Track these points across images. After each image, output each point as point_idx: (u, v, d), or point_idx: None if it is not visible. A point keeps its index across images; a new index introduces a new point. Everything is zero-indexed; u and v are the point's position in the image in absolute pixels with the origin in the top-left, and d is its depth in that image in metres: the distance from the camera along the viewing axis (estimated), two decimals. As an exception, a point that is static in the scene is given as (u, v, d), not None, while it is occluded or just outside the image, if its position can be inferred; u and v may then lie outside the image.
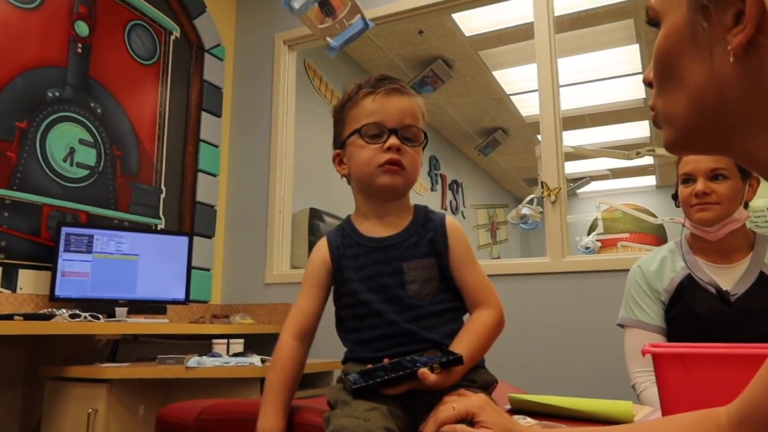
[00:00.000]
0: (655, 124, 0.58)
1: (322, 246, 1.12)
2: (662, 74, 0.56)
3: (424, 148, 1.10)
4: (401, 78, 1.16)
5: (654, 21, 0.57)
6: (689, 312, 1.48)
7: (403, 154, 1.04)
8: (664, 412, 0.95)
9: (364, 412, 0.87)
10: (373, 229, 1.08)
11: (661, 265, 1.56)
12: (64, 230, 2.36)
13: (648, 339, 1.47)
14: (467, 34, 4.21)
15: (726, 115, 0.51)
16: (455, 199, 6.32)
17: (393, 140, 1.03)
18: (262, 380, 2.12)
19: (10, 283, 2.26)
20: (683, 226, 1.55)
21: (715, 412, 0.68)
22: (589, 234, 4.36)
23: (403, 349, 1.00)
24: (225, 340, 2.40)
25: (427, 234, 1.06)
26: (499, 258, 7.10)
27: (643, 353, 0.98)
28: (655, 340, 1.47)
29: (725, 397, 0.68)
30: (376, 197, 1.09)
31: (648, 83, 0.59)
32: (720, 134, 0.53)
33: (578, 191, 7.71)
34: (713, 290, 1.46)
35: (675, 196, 1.56)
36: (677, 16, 0.53)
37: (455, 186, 6.38)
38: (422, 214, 1.10)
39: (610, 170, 6.88)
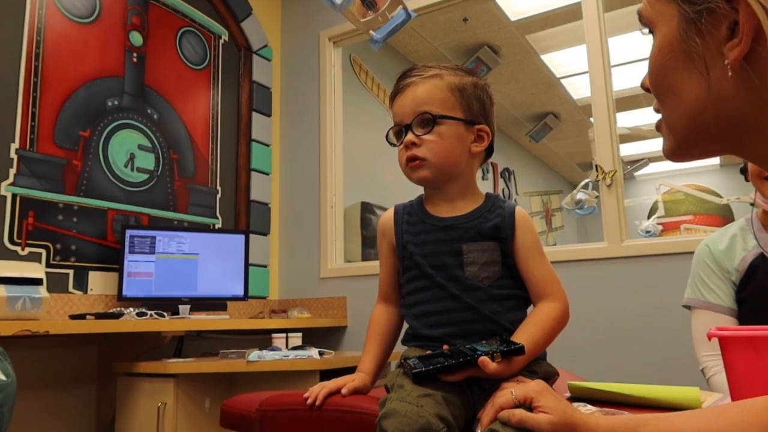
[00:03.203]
0: (657, 128, 0.56)
1: (386, 218, 1.15)
2: (659, 86, 0.54)
3: (465, 121, 1.06)
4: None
5: (647, 27, 0.54)
6: (763, 292, 1.38)
7: (421, 146, 1.04)
8: (734, 398, 0.92)
9: (417, 398, 0.88)
10: (440, 209, 1.09)
11: (731, 244, 1.46)
12: (129, 233, 2.46)
13: (717, 321, 1.40)
14: (513, 19, 4.13)
15: (728, 125, 0.49)
16: (507, 187, 6.23)
17: (407, 137, 1.05)
18: (320, 372, 2.16)
19: (82, 285, 2.38)
20: (753, 202, 1.44)
21: (787, 397, 0.65)
22: (649, 217, 4.23)
23: (465, 327, 1.00)
24: (284, 335, 2.45)
25: (493, 219, 1.05)
26: (555, 245, 6.97)
27: (709, 337, 0.94)
28: (725, 323, 1.39)
29: (799, 381, 0.65)
30: (427, 187, 1.12)
31: (645, 89, 0.56)
32: (724, 141, 0.51)
33: (636, 174, 7.47)
34: None
35: (743, 170, 1.47)
36: (669, 27, 0.51)
37: (507, 174, 6.29)
38: (492, 201, 1.10)
39: (669, 150, 6.61)
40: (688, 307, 1.53)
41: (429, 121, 1.04)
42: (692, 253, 2.23)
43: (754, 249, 1.42)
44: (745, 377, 0.89)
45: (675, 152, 0.55)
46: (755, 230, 1.44)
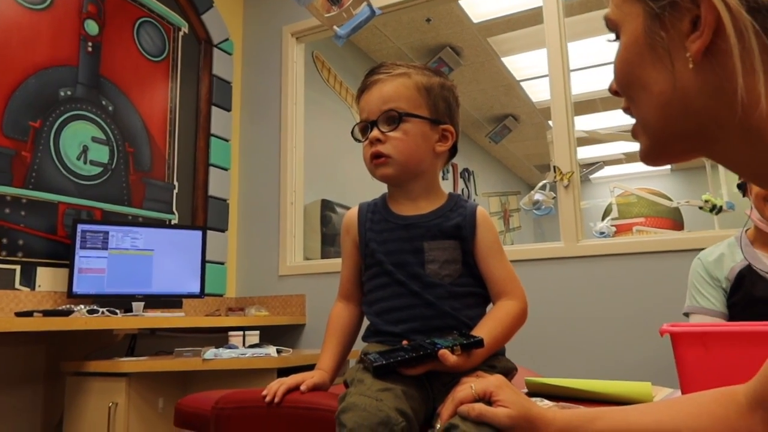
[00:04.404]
0: (633, 135, 0.57)
1: (350, 216, 1.16)
2: (627, 83, 0.55)
3: (431, 120, 1.06)
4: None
5: (614, 32, 0.56)
6: (749, 297, 1.53)
7: (386, 142, 1.05)
8: (684, 392, 0.95)
9: (377, 391, 0.88)
10: (402, 208, 1.10)
11: (721, 257, 1.63)
12: (80, 227, 2.38)
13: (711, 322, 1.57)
14: (475, 21, 4.17)
15: (695, 120, 0.50)
16: (467, 187, 6.29)
17: (372, 134, 1.06)
18: (278, 371, 2.13)
19: (29, 281, 2.29)
20: (748, 217, 1.58)
21: (734, 390, 0.68)
22: (603, 219, 4.33)
23: (425, 323, 1.01)
24: (241, 333, 2.42)
25: (455, 218, 1.06)
26: (512, 245, 7.07)
27: (661, 333, 0.97)
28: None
29: (744, 375, 0.67)
30: (390, 185, 1.12)
31: (614, 93, 0.58)
32: (694, 139, 0.52)
33: (592, 176, 7.66)
34: None
35: (742, 186, 1.59)
36: (635, 26, 0.52)
37: (466, 174, 6.36)
38: (454, 200, 1.11)
39: (624, 154, 6.82)
40: (687, 315, 1.68)
41: (395, 119, 1.04)
42: (643, 253, 2.33)
43: (741, 261, 1.58)
44: (694, 371, 0.92)
45: (650, 153, 0.56)
46: (743, 245, 1.59)
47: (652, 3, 0.50)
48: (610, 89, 0.58)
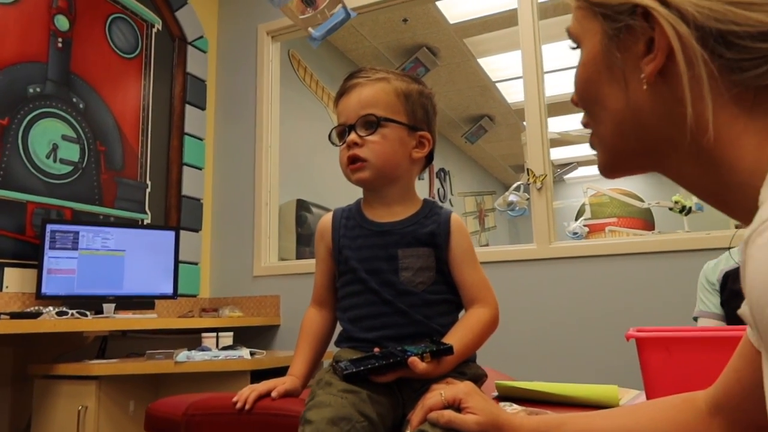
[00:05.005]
0: (591, 145, 0.59)
1: (324, 222, 1.15)
2: (586, 99, 0.56)
3: (408, 126, 1.07)
4: (387, 67, 1.15)
5: (575, 44, 0.57)
6: (734, 295, 1.63)
7: (363, 146, 1.04)
8: (648, 396, 0.97)
9: (341, 391, 0.90)
10: (377, 214, 1.10)
11: (718, 263, 1.74)
12: (49, 227, 2.34)
13: (711, 325, 1.67)
14: (452, 22, 4.19)
15: (648, 139, 0.52)
16: (443, 187, 6.32)
17: (349, 137, 1.05)
18: (252, 373, 2.12)
19: (-4, 282, 2.24)
20: None
21: (695, 396, 0.69)
22: (577, 219, 4.39)
23: (397, 331, 1.01)
24: (214, 334, 2.40)
25: (429, 225, 1.07)
26: (488, 245, 7.13)
27: (627, 338, 1.00)
28: (713, 325, 1.67)
29: (707, 379, 0.69)
30: (366, 189, 1.12)
31: (575, 103, 0.59)
32: (648, 156, 0.54)
33: (566, 177, 7.75)
34: None
35: None
36: (593, 43, 0.53)
37: (442, 174, 6.39)
38: (429, 207, 1.11)
39: (597, 156, 6.90)
40: (695, 319, 1.78)
41: (373, 123, 1.04)
42: (613, 255, 2.39)
43: (733, 264, 1.68)
44: (658, 376, 0.94)
45: (608, 167, 0.58)
46: (740, 250, 1.65)
47: (609, 23, 0.51)
48: (572, 100, 0.59)
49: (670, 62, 0.47)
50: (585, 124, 0.58)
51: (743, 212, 0.46)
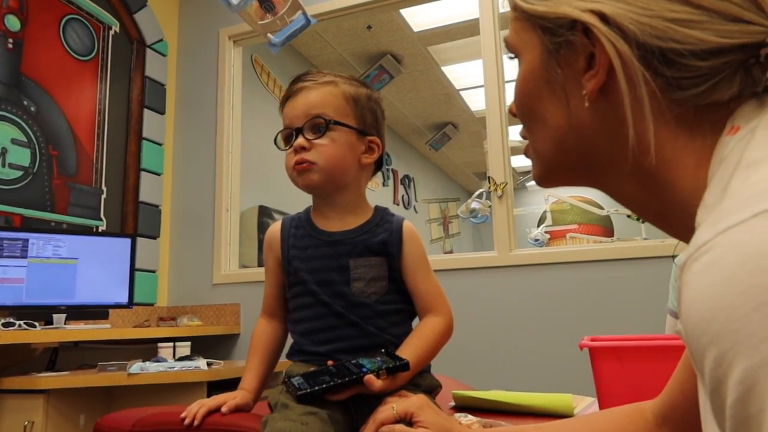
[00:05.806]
0: (525, 154, 0.58)
1: (272, 232, 1.12)
2: (524, 113, 0.55)
3: (358, 131, 1.04)
4: (351, 73, 1.13)
5: (514, 55, 0.55)
6: None
7: (311, 150, 1.01)
8: (601, 405, 0.97)
9: (301, 415, 0.86)
10: (328, 223, 1.07)
11: None
12: (-4, 235, 2.25)
13: (676, 323, 1.63)
14: (415, 30, 4.22)
15: (588, 154, 0.51)
16: (407, 193, 6.34)
17: (297, 141, 1.02)
18: (208, 384, 2.07)
19: (-62, 292, 2.14)
20: None
21: (643, 407, 0.70)
22: (538, 226, 4.45)
23: (350, 343, 0.99)
24: (171, 344, 2.34)
25: (381, 234, 1.04)
26: (452, 252, 7.18)
27: (581, 347, 1.00)
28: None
29: (658, 388, 0.70)
30: (315, 195, 1.09)
31: (513, 114, 0.58)
32: (585, 171, 0.53)
33: (528, 184, 7.85)
34: None
35: None
36: (533, 55, 0.52)
37: (407, 181, 6.41)
38: (380, 215, 1.09)
39: (558, 163, 7.01)
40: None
41: (321, 126, 1.02)
42: (573, 262, 2.40)
43: None
44: (610, 384, 0.95)
45: (542, 178, 0.57)
46: None
47: (549, 37, 0.49)
48: (510, 111, 0.58)
49: (611, 79, 0.46)
50: (524, 136, 0.57)
51: (684, 231, 0.46)
